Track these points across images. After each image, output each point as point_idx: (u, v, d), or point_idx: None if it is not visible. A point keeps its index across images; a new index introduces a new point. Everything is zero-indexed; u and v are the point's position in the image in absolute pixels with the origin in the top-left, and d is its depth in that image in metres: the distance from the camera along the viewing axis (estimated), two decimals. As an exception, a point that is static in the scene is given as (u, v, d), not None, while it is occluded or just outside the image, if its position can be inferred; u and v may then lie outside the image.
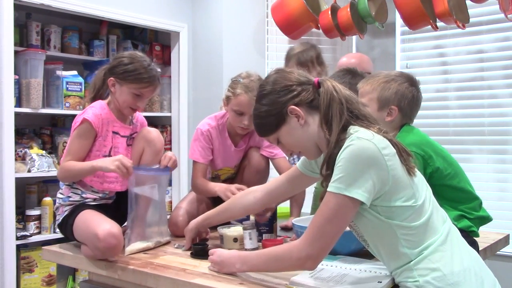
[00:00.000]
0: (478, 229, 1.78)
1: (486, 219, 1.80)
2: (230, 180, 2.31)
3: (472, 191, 1.79)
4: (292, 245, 1.33)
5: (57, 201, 1.95)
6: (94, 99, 1.98)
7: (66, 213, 1.89)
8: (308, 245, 1.28)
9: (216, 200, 2.22)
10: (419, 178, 1.35)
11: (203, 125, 2.22)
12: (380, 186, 1.25)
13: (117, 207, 1.96)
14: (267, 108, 1.42)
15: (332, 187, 1.25)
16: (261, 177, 2.26)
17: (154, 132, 2.01)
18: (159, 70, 1.97)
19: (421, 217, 1.28)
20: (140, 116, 2.09)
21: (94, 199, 1.91)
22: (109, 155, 1.90)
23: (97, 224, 1.71)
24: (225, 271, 1.50)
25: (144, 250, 1.82)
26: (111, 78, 1.92)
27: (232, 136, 2.23)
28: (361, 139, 1.26)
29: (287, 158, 2.30)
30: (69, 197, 1.90)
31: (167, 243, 1.94)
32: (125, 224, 2.04)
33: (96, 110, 1.88)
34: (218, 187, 2.07)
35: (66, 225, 1.87)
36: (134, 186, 1.81)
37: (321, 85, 1.40)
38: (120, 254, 1.72)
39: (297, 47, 2.54)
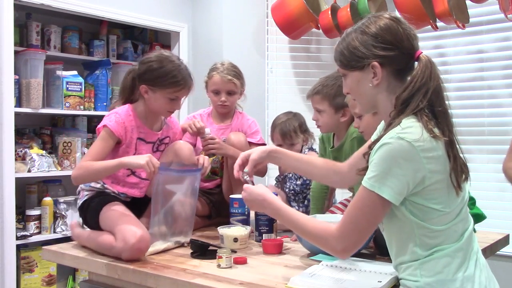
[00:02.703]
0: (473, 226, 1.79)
1: (480, 217, 1.83)
2: (218, 169, 2.35)
3: None
4: (329, 233, 1.28)
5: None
6: (124, 104, 1.94)
7: (86, 197, 1.91)
8: (345, 238, 1.25)
9: (212, 200, 2.30)
10: (464, 185, 1.30)
11: (191, 115, 2.43)
12: (413, 186, 1.21)
13: (133, 203, 1.96)
14: (356, 45, 1.32)
15: (366, 182, 1.23)
16: None
17: (186, 150, 1.98)
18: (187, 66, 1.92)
19: (445, 223, 1.24)
20: (173, 118, 2.07)
21: (113, 192, 1.93)
22: None
23: (130, 226, 1.69)
24: (255, 210, 1.61)
25: (165, 250, 1.78)
26: (143, 85, 1.87)
27: (215, 121, 2.39)
28: (401, 140, 1.20)
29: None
30: (90, 184, 1.92)
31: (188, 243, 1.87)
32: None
33: (119, 118, 1.85)
34: None
35: (87, 209, 1.89)
36: (161, 185, 1.77)
37: (419, 62, 1.29)
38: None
39: (281, 117, 2.46)
